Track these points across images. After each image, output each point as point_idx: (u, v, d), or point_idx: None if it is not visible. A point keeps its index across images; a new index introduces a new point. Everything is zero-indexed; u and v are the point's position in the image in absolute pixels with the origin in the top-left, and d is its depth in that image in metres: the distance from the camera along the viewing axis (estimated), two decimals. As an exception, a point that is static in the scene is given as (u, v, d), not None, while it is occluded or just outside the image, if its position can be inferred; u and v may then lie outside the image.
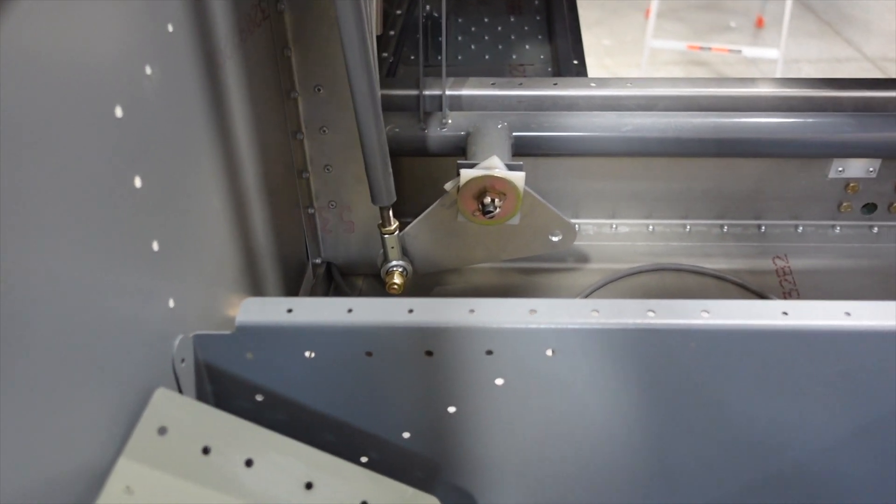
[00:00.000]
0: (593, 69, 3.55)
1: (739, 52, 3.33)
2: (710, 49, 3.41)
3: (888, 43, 3.75)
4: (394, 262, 0.86)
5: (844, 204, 1.00)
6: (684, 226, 1.03)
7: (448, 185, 0.83)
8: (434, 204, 0.84)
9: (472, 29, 1.33)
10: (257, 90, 0.76)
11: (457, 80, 0.93)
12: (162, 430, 0.54)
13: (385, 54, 1.19)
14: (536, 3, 1.38)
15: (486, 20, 1.34)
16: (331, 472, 0.58)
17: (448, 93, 0.91)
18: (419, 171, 0.98)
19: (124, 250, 0.53)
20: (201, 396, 0.65)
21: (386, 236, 0.84)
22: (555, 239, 0.87)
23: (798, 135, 0.90)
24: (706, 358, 0.64)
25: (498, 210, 0.81)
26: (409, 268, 0.87)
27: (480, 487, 0.73)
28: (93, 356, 0.49)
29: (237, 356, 0.64)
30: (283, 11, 0.79)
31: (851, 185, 0.98)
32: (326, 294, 0.96)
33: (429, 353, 0.64)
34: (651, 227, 1.03)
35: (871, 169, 0.96)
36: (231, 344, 0.64)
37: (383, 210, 0.81)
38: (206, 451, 0.54)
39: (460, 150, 0.90)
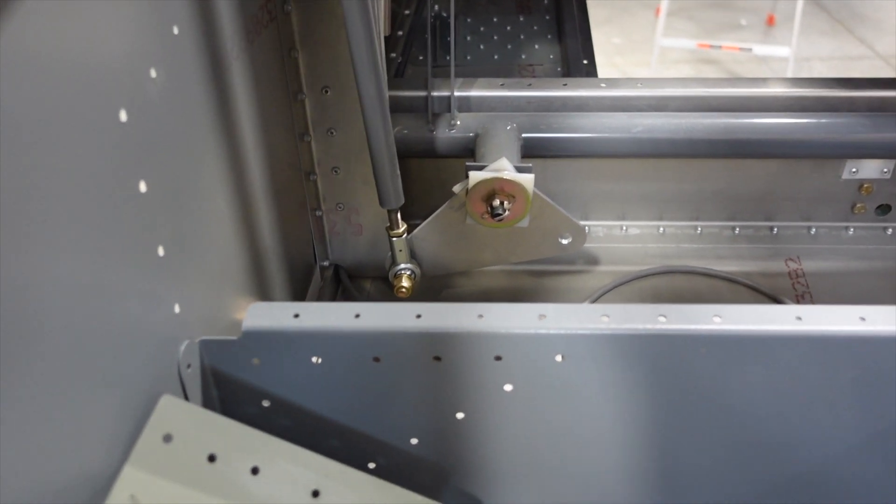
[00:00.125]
0: (603, 68, 3.54)
1: (750, 50, 3.30)
2: (720, 47, 3.38)
3: (901, 40, 3.72)
4: (402, 266, 0.85)
5: (858, 205, 0.99)
6: (695, 227, 1.02)
7: (457, 188, 0.82)
8: (442, 206, 0.83)
9: (481, 29, 1.32)
10: (264, 92, 0.75)
11: (465, 80, 0.92)
12: (167, 438, 0.53)
13: (393, 54, 1.18)
14: (546, 2, 1.37)
15: (495, 20, 1.34)
16: (338, 480, 0.57)
17: (457, 94, 0.90)
18: (427, 172, 0.97)
19: (129, 256, 0.52)
20: (207, 402, 0.65)
21: (394, 239, 0.83)
22: (564, 241, 0.86)
23: (811, 135, 0.88)
24: (718, 363, 0.63)
25: (507, 213, 0.80)
26: (418, 271, 0.86)
27: (489, 493, 0.72)
28: (98, 362, 0.49)
29: (244, 362, 0.64)
30: (290, 12, 0.79)
31: (865, 186, 0.97)
32: (334, 297, 0.96)
33: (437, 359, 0.63)
34: (661, 229, 1.02)
35: (885, 170, 0.95)
36: (237, 349, 0.63)
37: (391, 213, 0.81)
38: (211, 458, 0.54)
39: (469, 152, 0.89)
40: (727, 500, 0.72)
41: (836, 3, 4.09)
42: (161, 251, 0.56)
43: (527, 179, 0.79)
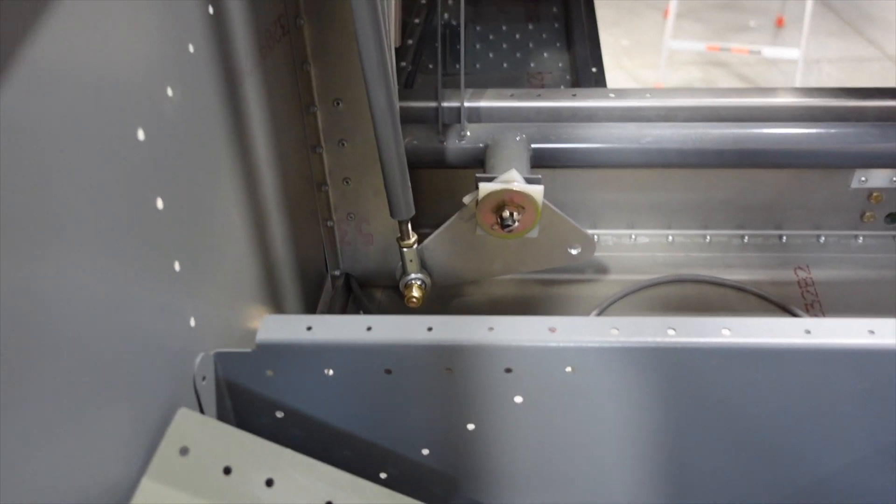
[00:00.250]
0: (611, 70, 3.53)
1: (759, 52, 3.29)
2: (729, 49, 3.38)
3: (911, 42, 3.70)
4: (412, 275, 0.86)
5: (867, 214, 0.99)
6: (704, 236, 1.02)
7: (467, 199, 0.82)
8: (452, 217, 0.84)
9: (490, 37, 1.33)
10: (276, 105, 0.76)
11: (475, 91, 0.93)
12: (184, 451, 0.54)
13: (403, 63, 1.19)
14: (555, 10, 1.38)
15: (504, 28, 1.34)
16: (350, 491, 0.58)
17: (466, 104, 0.91)
18: (438, 182, 0.98)
19: (146, 271, 0.53)
20: (222, 413, 0.66)
21: (405, 249, 0.84)
22: (574, 252, 0.86)
23: (820, 145, 0.89)
24: (727, 376, 0.64)
25: (517, 223, 0.81)
26: (428, 280, 0.87)
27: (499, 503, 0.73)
28: (116, 376, 0.50)
29: (257, 373, 0.65)
30: (303, 26, 0.80)
31: (874, 194, 0.97)
32: (345, 305, 0.96)
33: (448, 371, 0.64)
34: (671, 238, 1.02)
35: (894, 179, 0.95)
36: (251, 361, 0.64)
37: (402, 223, 0.82)
38: (227, 471, 0.55)
39: (479, 163, 0.90)
40: (736, 510, 0.72)
41: (845, 5, 4.08)
42: (177, 266, 0.57)
43: (536, 191, 0.80)
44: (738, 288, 0.98)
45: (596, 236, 1.02)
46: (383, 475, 0.71)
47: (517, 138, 0.89)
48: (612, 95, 0.92)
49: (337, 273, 0.98)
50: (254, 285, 0.74)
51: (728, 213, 1.01)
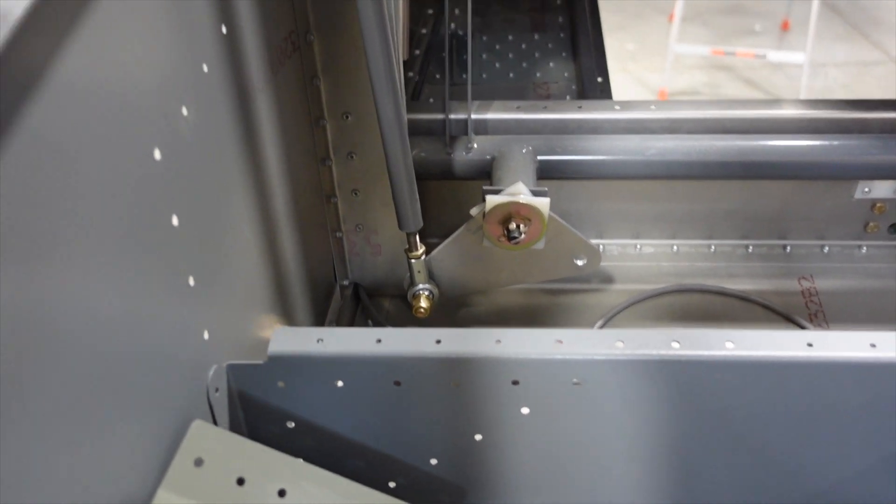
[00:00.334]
0: (616, 74, 3.54)
1: (764, 56, 3.30)
2: (734, 54, 3.38)
3: (917, 46, 3.70)
4: (420, 286, 0.87)
5: (871, 224, 1.00)
6: (709, 246, 1.03)
7: (474, 211, 0.84)
8: (460, 229, 0.85)
9: (497, 47, 1.34)
10: (287, 119, 0.78)
11: (482, 103, 0.94)
12: (198, 462, 0.55)
13: (410, 74, 1.20)
14: (560, 20, 1.39)
15: (510, 38, 1.35)
16: (360, 501, 0.59)
17: (473, 116, 0.92)
18: (445, 192, 0.99)
19: (162, 287, 0.55)
20: (234, 423, 0.67)
21: (413, 261, 0.85)
22: (579, 263, 0.88)
23: (824, 157, 0.90)
24: (731, 388, 0.65)
25: (523, 235, 0.82)
26: (436, 291, 0.88)
27: (506, 512, 0.74)
28: (132, 389, 0.51)
29: (269, 385, 0.66)
30: (313, 42, 0.81)
31: (878, 205, 0.98)
32: (354, 315, 0.98)
33: (456, 383, 0.65)
34: (675, 248, 1.03)
35: (898, 189, 0.96)
36: (263, 373, 0.65)
37: (410, 235, 0.83)
38: (240, 482, 0.56)
39: (485, 175, 0.91)
40: (740, 520, 0.73)
41: (850, 8, 4.07)
42: (191, 281, 0.59)
43: (542, 203, 0.81)
44: (742, 298, 0.99)
45: (601, 246, 1.04)
46: (392, 484, 0.72)
47: (523, 150, 0.90)
48: (617, 107, 0.93)
49: (346, 283, 1.00)
50: (265, 296, 0.76)
51: (732, 223, 1.02)
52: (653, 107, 0.93)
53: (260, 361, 0.65)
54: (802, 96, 3.28)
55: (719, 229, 1.02)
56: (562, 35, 1.35)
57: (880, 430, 0.65)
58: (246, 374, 0.65)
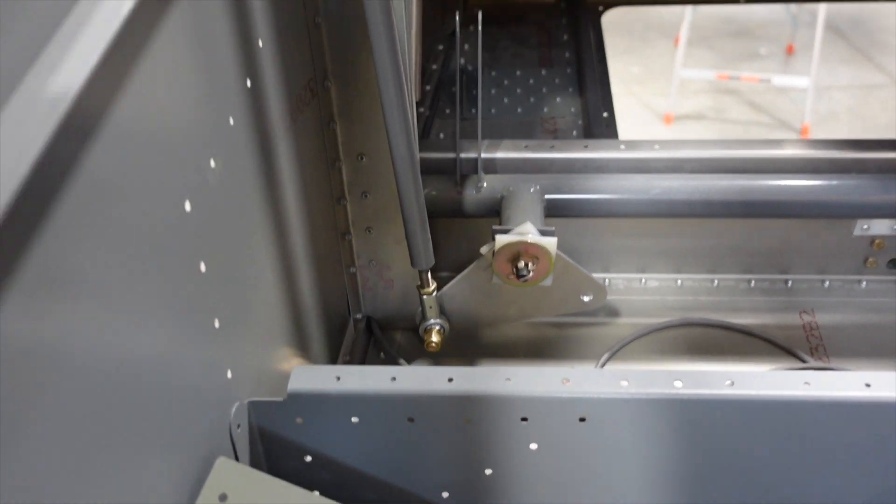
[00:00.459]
0: (622, 97, 3.57)
1: (769, 80, 3.33)
2: (739, 78, 3.42)
3: (921, 69, 3.73)
4: (432, 321, 0.90)
5: (870, 259, 1.02)
6: (712, 280, 1.06)
7: (484, 249, 0.87)
8: (470, 266, 0.88)
9: (505, 82, 1.38)
10: (305, 162, 0.81)
11: (491, 142, 0.97)
12: (222, 497, 0.58)
13: (421, 109, 1.24)
14: (567, 55, 1.43)
15: (518, 73, 1.39)
16: (376, 535, 0.62)
17: (483, 155, 0.95)
18: (455, 228, 1.02)
19: (190, 329, 0.58)
20: (254, 457, 0.70)
21: (424, 297, 0.88)
22: (586, 299, 0.90)
23: (823, 197, 0.92)
24: (732, 425, 0.68)
25: (531, 273, 0.85)
26: (447, 326, 0.91)
27: (515, 544, 0.76)
28: (161, 426, 0.54)
29: (288, 421, 0.69)
30: (330, 88, 0.85)
31: (877, 241, 1.01)
32: (367, 348, 1.01)
33: (467, 419, 0.68)
34: (679, 282, 1.06)
35: (895, 226, 0.99)
36: (283, 410, 0.68)
37: (422, 272, 0.86)
38: (262, 516, 0.59)
39: (495, 213, 0.94)
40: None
41: (854, 32, 4.11)
42: (217, 323, 0.62)
43: (550, 243, 0.84)
44: (744, 332, 1.01)
45: (607, 280, 1.06)
46: (405, 516, 0.75)
47: (531, 190, 0.93)
48: (622, 147, 0.97)
49: (359, 316, 1.03)
50: (283, 332, 0.79)
51: (735, 258, 1.05)
52: (657, 146, 0.96)
53: (280, 398, 0.68)
54: (807, 120, 3.32)
55: (722, 264, 1.05)
56: (568, 70, 1.39)
57: (878, 466, 0.68)
58: (266, 411, 0.68)
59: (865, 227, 0.99)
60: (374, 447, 0.70)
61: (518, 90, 1.35)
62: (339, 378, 0.68)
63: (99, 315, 0.46)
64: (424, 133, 1.22)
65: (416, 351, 1.00)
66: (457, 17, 0.98)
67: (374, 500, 0.73)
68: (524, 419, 0.68)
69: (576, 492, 0.72)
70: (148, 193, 0.51)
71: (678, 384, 0.67)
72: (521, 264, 0.85)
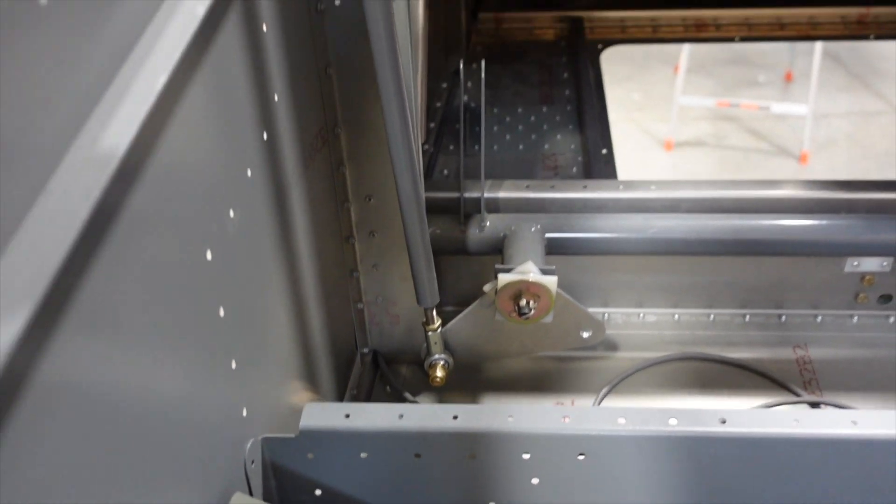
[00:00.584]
0: (623, 123, 3.62)
1: (768, 108, 3.38)
2: (738, 105, 3.47)
3: (918, 96, 3.77)
4: (436, 356, 0.93)
5: (861, 295, 1.06)
6: (709, 315, 1.09)
7: (487, 287, 0.90)
8: (474, 304, 0.92)
9: (507, 119, 1.42)
10: (317, 205, 0.85)
11: (494, 182, 1.01)
12: (239, 532, 0.61)
13: (426, 146, 1.28)
14: (567, 93, 1.47)
15: (519, 110, 1.44)
16: (385, 568, 0.65)
17: (486, 195, 0.99)
18: (459, 264, 1.06)
19: (209, 371, 0.61)
20: (267, 492, 0.73)
21: (430, 333, 0.91)
22: (585, 335, 0.94)
23: (814, 236, 0.96)
24: (725, 462, 0.71)
25: (533, 311, 0.88)
26: (451, 361, 0.94)
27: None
28: (181, 461, 0.57)
29: (300, 456, 0.72)
30: (339, 135, 0.89)
31: (867, 277, 1.04)
32: (373, 381, 1.04)
33: (471, 455, 0.71)
34: (677, 317, 1.09)
35: (884, 263, 1.02)
36: (295, 445, 0.71)
37: (427, 310, 0.89)
38: (277, 550, 0.62)
39: (498, 251, 0.97)
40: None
41: (852, 59, 4.15)
42: (234, 364, 0.65)
43: (550, 281, 0.88)
44: (740, 366, 1.04)
45: (606, 314, 1.10)
46: (411, 548, 0.77)
47: (532, 229, 0.97)
48: (620, 187, 1.00)
49: (366, 350, 1.06)
50: (295, 369, 0.82)
51: (731, 294, 1.08)
52: (653, 187, 1.00)
53: (292, 435, 0.71)
54: (806, 147, 3.36)
55: (718, 299, 1.08)
56: (568, 108, 1.43)
57: (866, 501, 0.71)
58: (279, 447, 0.71)
59: (856, 263, 1.03)
60: (382, 482, 0.73)
61: (520, 127, 1.39)
62: (348, 415, 0.71)
63: (126, 354, 0.49)
64: (428, 169, 1.26)
65: (421, 384, 1.03)
66: (461, 65, 1.02)
67: (382, 532, 0.76)
68: (526, 455, 0.71)
69: (576, 525, 0.75)
70: (175, 243, 0.54)
71: (673, 422, 0.70)
72: (523, 302, 0.88)
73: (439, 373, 0.93)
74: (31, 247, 0.39)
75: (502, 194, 1.00)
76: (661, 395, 1.02)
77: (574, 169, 1.30)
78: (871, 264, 1.02)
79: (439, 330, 0.92)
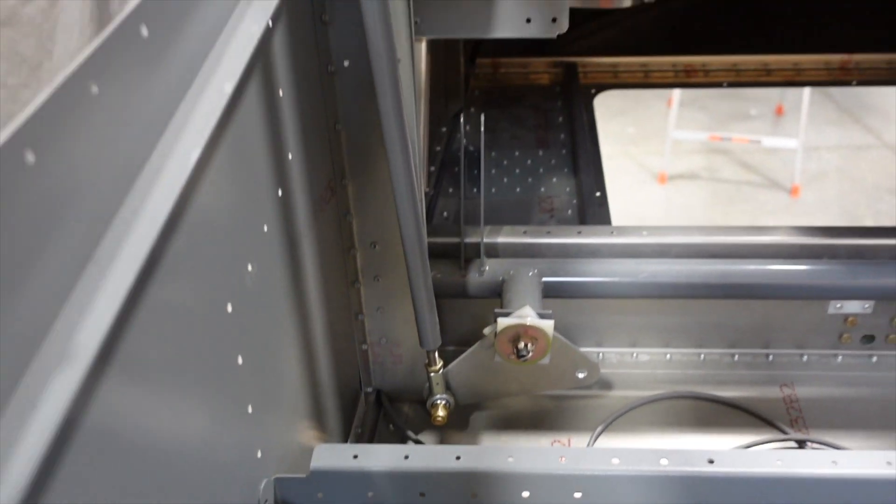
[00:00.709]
0: (618, 157, 3.68)
1: (759, 142, 3.46)
2: (730, 139, 3.54)
3: (907, 130, 3.85)
4: (438, 396, 0.97)
5: (845, 335, 1.10)
6: (699, 354, 1.13)
7: (486, 330, 0.95)
8: (474, 346, 0.96)
9: (505, 162, 1.47)
10: (325, 252, 0.89)
11: (493, 228, 1.06)
12: (255, 569, 0.65)
13: (427, 189, 1.33)
14: (562, 137, 1.53)
15: (516, 154, 1.49)
16: None
17: (486, 241, 1.04)
18: (460, 305, 1.10)
19: (227, 415, 0.65)
20: (278, 530, 0.76)
21: (431, 374, 0.96)
22: (581, 375, 0.98)
23: (798, 281, 1.01)
24: (713, 500, 0.75)
25: (530, 353, 0.93)
26: (452, 400, 0.98)
27: None
28: (198, 502, 0.61)
29: (310, 495, 0.76)
30: (347, 185, 0.94)
31: (850, 319, 1.09)
32: (377, 420, 1.08)
33: (474, 494, 0.75)
34: (668, 356, 1.14)
35: (866, 306, 1.07)
36: (305, 485, 0.75)
37: (430, 352, 0.93)
38: (291, 586, 0.65)
39: (497, 294, 1.02)
40: None
41: (843, 93, 4.24)
42: (250, 408, 0.69)
43: (547, 325, 0.92)
44: (729, 404, 1.09)
45: (601, 354, 1.14)
46: (415, 583, 0.81)
47: (530, 273, 1.02)
48: (612, 233, 1.05)
49: (370, 389, 1.10)
50: (304, 410, 0.86)
51: (720, 334, 1.12)
52: (644, 232, 1.05)
53: (303, 475, 0.75)
54: (797, 180, 3.43)
55: (708, 339, 1.13)
56: (563, 151, 1.48)
57: (844, 539, 0.75)
58: (290, 487, 0.75)
59: (839, 306, 1.07)
60: (388, 520, 0.77)
61: (517, 170, 1.45)
62: (356, 456, 0.76)
63: (155, 401, 0.53)
64: (429, 212, 1.31)
65: (423, 423, 1.07)
66: (461, 113, 1.08)
67: (388, 568, 0.79)
68: (526, 494, 0.75)
69: (572, 561, 0.78)
70: (200, 296, 0.59)
71: (664, 462, 0.74)
72: (522, 345, 0.93)
73: (441, 412, 0.97)
74: (89, 296, 0.44)
75: (501, 239, 1.05)
76: (654, 433, 1.06)
77: (569, 211, 1.35)
78: (853, 307, 1.07)
79: (441, 371, 0.96)
